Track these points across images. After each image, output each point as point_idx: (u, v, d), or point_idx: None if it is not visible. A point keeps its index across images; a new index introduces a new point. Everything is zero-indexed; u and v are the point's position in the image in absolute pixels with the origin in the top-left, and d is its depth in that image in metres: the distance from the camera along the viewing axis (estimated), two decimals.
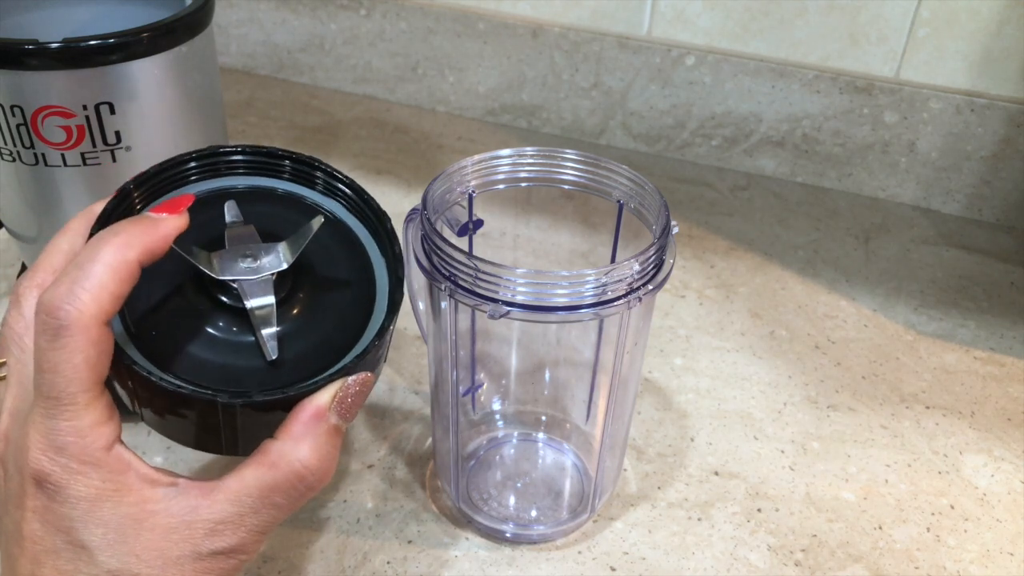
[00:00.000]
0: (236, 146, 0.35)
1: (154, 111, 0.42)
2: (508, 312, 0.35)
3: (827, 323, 0.62)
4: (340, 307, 0.34)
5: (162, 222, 0.30)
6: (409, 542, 0.45)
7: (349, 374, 0.31)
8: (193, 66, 0.43)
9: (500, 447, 0.50)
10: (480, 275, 0.35)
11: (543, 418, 0.51)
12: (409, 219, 0.40)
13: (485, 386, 0.51)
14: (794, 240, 0.71)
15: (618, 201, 0.42)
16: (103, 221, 0.31)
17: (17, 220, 0.45)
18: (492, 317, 0.35)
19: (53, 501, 0.28)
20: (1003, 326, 0.63)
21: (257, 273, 0.31)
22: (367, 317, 0.34)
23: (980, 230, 0.74)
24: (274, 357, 0.31)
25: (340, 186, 0.36)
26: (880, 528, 0.47)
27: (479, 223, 0.44)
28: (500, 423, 0.51)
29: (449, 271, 0.36)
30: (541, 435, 0.50)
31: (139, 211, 0.33)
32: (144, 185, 0.33)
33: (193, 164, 0.35)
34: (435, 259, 0.37)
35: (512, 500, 0.47)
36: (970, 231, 0.74)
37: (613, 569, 0.44)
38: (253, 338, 0.32)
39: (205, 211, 0.34)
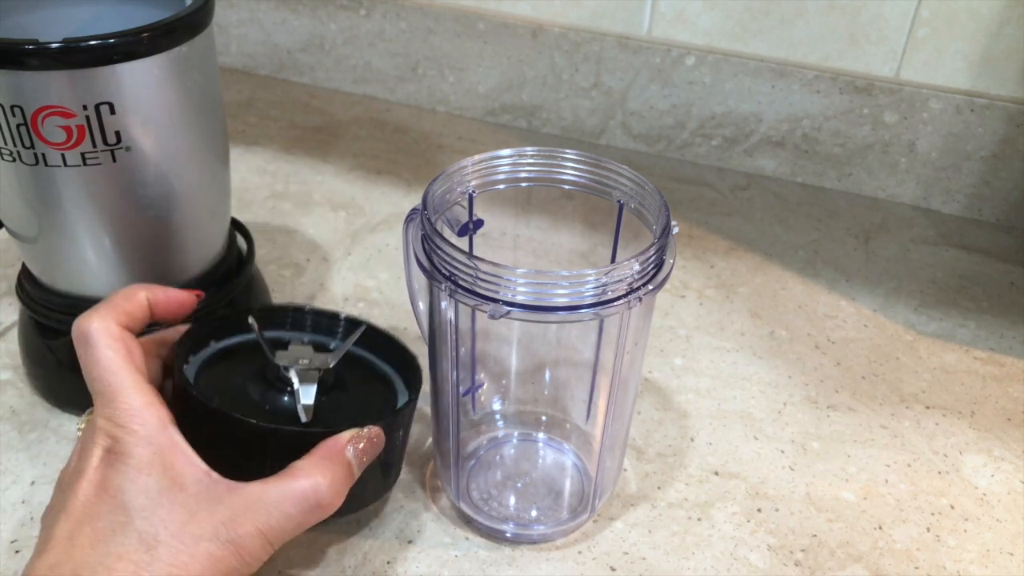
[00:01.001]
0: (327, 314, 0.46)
1: (154, 111, 0.42)
2: (508, 312, 0.35)
3: (827, 323, 0.62)
4: (366, 398, 0.43)
5: (176, 291, 0.40)
6: (409, 542, 0.45)
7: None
8: (193, 66, 0.43)
9: (500, 447, 0.50)
10: (480, 275, 0.35)
11: (543, 418, 0.51)
12: (409, 219, 0.40)
13: (485, 386, 0.51)
14: (794, 240, 0.71)
15: (618, 201, 0.42)
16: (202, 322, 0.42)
17: (17, 220, 0.45)
18: (492, 317, 0.35)
19: (112, 468, 0.34)
20: (1003, 326, 0.63)
21: (307, 367, 0.41)
22: (389, 410, 0.42)
23: (980, 230, 0.74)
24: (306, 420, 0.39)
25: (382, 341, 0.46)
26: (880, 528, 0.47)
27: (479, 223, 0.44)
28: (500, 423, 0.51)
29: (449, 271, 0.36)
30: (541, 435, 0.50)
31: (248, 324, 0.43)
32: (262, 313, 0.44)
33: (290, 315, 0.46)
34: (435, 259, 0.37)
35: (512, 500, 0.47)
36: (970, 231, 0.74)
37: (613, 569, 0.44)
38: (294, 408, 0.40)
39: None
